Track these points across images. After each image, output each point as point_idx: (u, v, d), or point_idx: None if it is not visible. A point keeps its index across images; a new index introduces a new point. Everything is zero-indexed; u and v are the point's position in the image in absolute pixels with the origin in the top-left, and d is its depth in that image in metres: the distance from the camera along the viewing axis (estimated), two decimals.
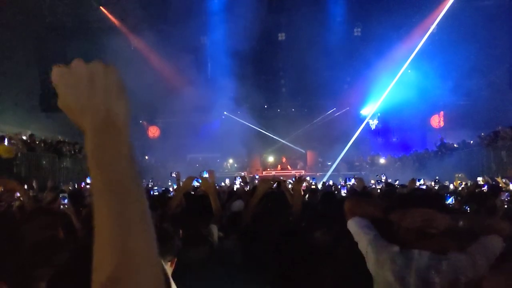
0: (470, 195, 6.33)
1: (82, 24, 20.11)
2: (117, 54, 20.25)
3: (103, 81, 0.82)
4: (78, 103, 0.81)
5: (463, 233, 2.02)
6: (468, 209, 4.42)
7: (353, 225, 2.31)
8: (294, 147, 26.15)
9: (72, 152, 15.92)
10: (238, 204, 4.84)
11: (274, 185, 5.82)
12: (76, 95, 0.81)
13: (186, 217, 3.46)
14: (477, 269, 1.89)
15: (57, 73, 0.84)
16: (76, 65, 0.83)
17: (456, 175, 13.27)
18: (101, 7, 21.68)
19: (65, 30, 20.74)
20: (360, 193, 5.46)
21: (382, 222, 2.22)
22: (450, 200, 4.95)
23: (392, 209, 2.15)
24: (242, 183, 8.15)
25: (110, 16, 22.13)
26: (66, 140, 16.62)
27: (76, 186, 11.24)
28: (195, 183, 4.40)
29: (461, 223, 2.00)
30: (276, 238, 2.46)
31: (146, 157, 23.36)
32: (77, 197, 5.95)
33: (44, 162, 14.16)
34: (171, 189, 10.43)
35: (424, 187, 8.36)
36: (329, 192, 6.23)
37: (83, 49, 19.97)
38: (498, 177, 9.93)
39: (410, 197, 2.61)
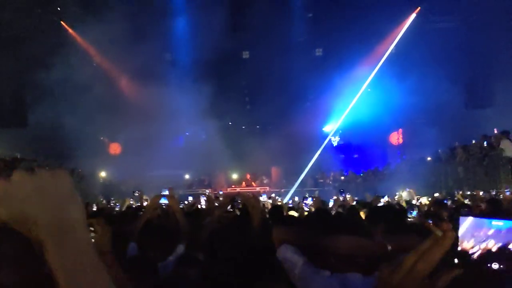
0: (429, 210, 6.53)
1: (41, 38, 19.60)
2: (78, 71, 19.89)
3: (53, 191, 0.79)
4: (28, 217, 0.77)
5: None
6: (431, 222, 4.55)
7: (281, 252, 2.29)
8: (259, 163, 26.22)
9: (30, 170, 15.38)
10: None
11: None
12: (24, 208, 0.77)
13: (153, 235, 3.42)
14: None
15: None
16: (20, 179, 0.80)
17: (408, 190, 13.54)
18: (62, 21, 21.30)
19: (22, 44, 20.17)
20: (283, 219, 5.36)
21: (311, 248, 2.22)
22: (414, 213, 5.10)
23: (318, 236, 2.17)
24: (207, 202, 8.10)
25: (71, 31, 21.74)
26: (24, 158, 16.06)
27: None
28: (163, 201, 4.35)
29: (389, 247, 2.04)
30: (237, 257, 2.45)
31: (103, 175, 22.78)
32: None
33: None
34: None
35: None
36: (276, 206, 6.28)
37: (41, 64, 19.48)
38: (458, 193, 10.30)
39: (336, 222, 2.64)
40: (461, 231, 2.17)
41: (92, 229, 2.09)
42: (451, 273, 0.97)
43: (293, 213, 7.28)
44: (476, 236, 2.30)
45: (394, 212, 4.39)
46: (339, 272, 2.03)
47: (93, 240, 2.01)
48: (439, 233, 0.96)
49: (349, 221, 3.01)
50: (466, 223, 2.34)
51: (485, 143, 14.57)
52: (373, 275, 1.96)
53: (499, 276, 2.02)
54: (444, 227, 0.97)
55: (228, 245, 3.00)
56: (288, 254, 2.22)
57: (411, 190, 12.47)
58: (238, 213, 5.59)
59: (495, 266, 2.14)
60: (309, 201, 8.76)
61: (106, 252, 2.07)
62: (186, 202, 10.75)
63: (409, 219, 4.88)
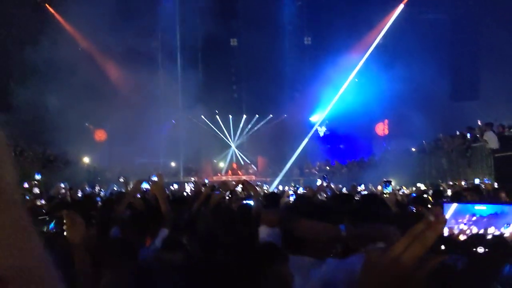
0: (414, 199, 6.59)
1: (24, 21, 19.22)
2: (64, 55, 19.57)
3: None
4: None
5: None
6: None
7: (262, 233, 2.33)
8: (245, 152, 26.23)
9: (14, 155, 15.15)
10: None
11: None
12: None
13: (135, 221, 3.40)
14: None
15: None
16: None
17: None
18: (46, 5, 20.89)
19: (6, 26, 19.77)
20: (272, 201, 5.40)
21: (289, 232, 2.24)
22: (390, 189, 5.15)
23: (289, 219, 2.20)
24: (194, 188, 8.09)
25: (56, 15, 21.35)
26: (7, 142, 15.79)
27: None
28: (144, 186, 4.32)
29: (343, 233, 2.06)
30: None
31: (88, 161, 22.55)
32: None
33: None
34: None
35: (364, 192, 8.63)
36: (274, 193, 6.27)
37: (25, 48, 19.13)
38: (442, 182, 10.42)
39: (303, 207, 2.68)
40: (446, 217, 2.18)
41: (65, 221, 2.05)
42: (437, 259, 0.96)
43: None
44: (460, 221, 2.33)
45: (361, 200, 4.45)
46: (313, 257, 2.06)
47: (65, 233, 1.98)
48: (431, 217, 0.93)
49: (316, 206, 3.04)
50: (451, 209, 2.37)
51: (468, 135, 14.74)
52: (349, 259, 1.98)
53: (484, 260, 2.05)
54: (436, 211, 0.96)
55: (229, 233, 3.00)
56: (267, 235, 2.26)
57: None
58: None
59: (480, 250, 2.17)
60: (301, 190, 8.78)
61: (78, 245, 2.03)
62: (171, 188, 10.70)
63: (384, 195, 4.95)
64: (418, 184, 10.91)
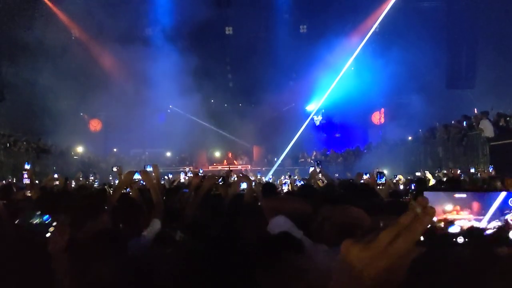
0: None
1: (17, 11, 18.97)
2: (57, 45, 19.37)
3: None
4: None
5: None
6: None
7: (278, 225, 2.24)
8: (240, 142, 26.15)
9: (7, 146, 15.04)
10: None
11: (220, 180, 5.77)
12: None
13: (126, 211, 3.35)
14: None
15: None
16: None
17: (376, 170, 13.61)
18: None
19: (3, 19, 19.51)
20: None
21: (304, 221, 2.20)
22: (383, 180, 5.13)
23: (319, 205, 2.14)
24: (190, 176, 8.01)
25: (50, 4, 21.07)
26: (0, 133, 15.69)
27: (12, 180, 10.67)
28: (136, 177, 4.27)
29: (381, 224, 2.02)
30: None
31: (83, 151, 22.45)
32: (6, 192, 5.63)
33: None
34: (112, 183, 10.13)
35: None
36: (269, 183, 6.24)
37: (22, 38, 18.91)
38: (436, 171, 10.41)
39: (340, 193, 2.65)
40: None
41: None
42: (417, 251, 0.89)
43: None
44: (440, 210, 2.27)
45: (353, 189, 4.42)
46: (333, 244, 2.01)
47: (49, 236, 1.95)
48: (418, 209, 0.87)
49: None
50: (430, 198, 2.31)
51: (464, 123, 14.73)
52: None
53: (465, 250, 2.01)
54: (422, 202, 0.88)
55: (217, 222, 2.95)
56: (287, 226, 2.18)
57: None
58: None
59: (460, 240, 2.10)
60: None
61: (59, 249, 1.98)
62: (165, 177, 10.63)
63: (378, 186, 4.92)
64: (417, 173, 10.88)
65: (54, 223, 1.98)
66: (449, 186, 4.78)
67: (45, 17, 19.64)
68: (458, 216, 1.09)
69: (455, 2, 21.58)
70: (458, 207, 1.11)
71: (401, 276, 0.87)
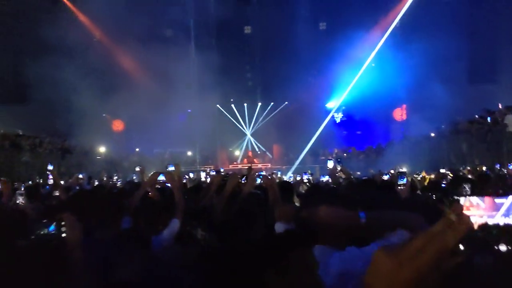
0: (433, 184, 6.50)
1: (42, 14, 19.39)
2: (80, 47, 19.73)
3: None
4: None
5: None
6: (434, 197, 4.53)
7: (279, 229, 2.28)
8: (261, 140, 26.19)
9: (32, 147, 15.40)
10: None
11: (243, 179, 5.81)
12: None
13: (147, 210, 3.41)
14: None
15: None
16: None
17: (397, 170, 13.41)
18: None
19: (27, 20, 19.98)
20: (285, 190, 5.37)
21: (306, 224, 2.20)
22: (404, 180, 5.05)
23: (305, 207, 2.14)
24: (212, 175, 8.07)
25: (71, 6, 21.46)
26: (26, 134, 16.06)
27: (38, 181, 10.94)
28: (161, 178, 4.34)
29: (363, 220, 1.99)
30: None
31: (106, 151, 22.80)
32: (34, 192, 5.77)
33: (1, 156, 13.62)
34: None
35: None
36: (286, 182, 6.22)
37: (43, 39, 19.32)
38: (459, 169, 10.22)
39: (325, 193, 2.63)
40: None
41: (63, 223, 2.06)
42: (454, 260, 0.88)
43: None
44: (479, 215, 2.17)
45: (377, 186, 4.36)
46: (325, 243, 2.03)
47: (64, 235, 2.00)
48: (453, 216, 0.85)
49: (333, 192, 2.99)
50: (471, 203, 2.23)
51: (488, 118, 14.44)
52: (369, 247, 1.94)
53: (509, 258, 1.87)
54: (457, 209, 0.86)
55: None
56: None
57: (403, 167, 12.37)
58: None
59: (502, 247, 1.91)
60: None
61: (75, 246, 2.03)
62: (187, 177, 10.74)
63: (399, 187, 4.85)
64: (441, 170, 10.70)
65: (63, 226, 2.03)
66: (480, 183, 4.69)
67: (67, 18, 20.02)
68: (469, 212, 1.09)
69: None
70: (467, 203, 1.10)
71: (434, 285, 0.86)
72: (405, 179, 4.99)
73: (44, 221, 2.02)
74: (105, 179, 12.08)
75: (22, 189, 7.02)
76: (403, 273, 0.84)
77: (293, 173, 18.75)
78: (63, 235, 1.98)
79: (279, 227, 2.34)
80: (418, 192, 5.67)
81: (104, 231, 2.80)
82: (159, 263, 2.66)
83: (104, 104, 21.47)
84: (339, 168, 7.42)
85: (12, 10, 19.38)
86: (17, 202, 3.81)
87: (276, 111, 26.22)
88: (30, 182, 10.69)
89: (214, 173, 8.50)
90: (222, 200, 3.92)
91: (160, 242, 3.02)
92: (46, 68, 19.02)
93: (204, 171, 9.13)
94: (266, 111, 26.27)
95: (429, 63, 20.12)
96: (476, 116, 15.37)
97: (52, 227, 2.00)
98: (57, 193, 7.28)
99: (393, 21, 22.79)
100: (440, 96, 19.50)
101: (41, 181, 10.92)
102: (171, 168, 5.43)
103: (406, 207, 3.60)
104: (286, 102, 26.18)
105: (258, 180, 4.70)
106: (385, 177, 8.33)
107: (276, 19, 22.35)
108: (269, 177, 4.72)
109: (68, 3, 21.30)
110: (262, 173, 4.79)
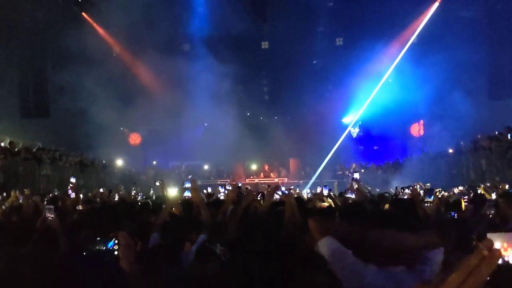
0: (454, 203, 6.43)
1: (62, 29, 19.82)
2: (99, 61, 20.07)
3: None
4: None
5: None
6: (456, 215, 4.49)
7: (327, 244, 2.27)
8: (277, 154, 26.17)
9: (52, 160, 15.63)
10: None
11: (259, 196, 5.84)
12: None
13: (176, 226, 3.45)
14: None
15: None
16: None
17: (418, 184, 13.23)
18: (82, 13, 21.46)
19: (45, 34, 20.44)
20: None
21: (350, 241, 2.22)
22: (431, 198, 5.02)
23: (365, 229, 2.19)
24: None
25: (91, 22, 21.91)
26: (46, 147, 16.31)
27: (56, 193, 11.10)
28: (186, 194, 4.38)
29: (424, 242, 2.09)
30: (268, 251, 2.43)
31: (124, 164, 23.03)
32: (55, 204, 5.87)
33: (22, 169, 13.83)
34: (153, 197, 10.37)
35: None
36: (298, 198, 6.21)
37: (63, 54, 19.73)
38: (480, 186, 10.07)
39: (383, 217, 2.66)
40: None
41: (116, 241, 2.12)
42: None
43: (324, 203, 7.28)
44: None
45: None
46: (383, 264, 2.08)
47: (116, 253, 2.05)
48: (485, 251, 0.89)
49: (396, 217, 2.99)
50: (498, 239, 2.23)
51: (509, 135, 14.23)
52: (416, 269, 2.02)
53: None
54: (489, 244, 0.91)
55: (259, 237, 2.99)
56: (335, 245, 2.22)
57: (419, 184, 12.19)
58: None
59: None
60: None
61: (131, 263, 2.08)
62: (204, 191, 10.79)
63: (426, 204, 4.83)
64: (459, 188, 10.59)
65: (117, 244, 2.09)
66: (503, 201, 4.63)
67: (86, 33, 20.43)
68: (506, 253, 1.09)
69: (497, 9, 21.02)
70: (505, 244, 1.11)
71: None
72: (432, 197, 4.97)
73: (98, 238, 2.08)
74: (121, 192, 12.20)
75: (45, 202, 7.14)
76: None
77: (310, 188, 18.69)
78: (116, 252, 2.04)
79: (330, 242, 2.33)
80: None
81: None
82: (187, 279, 2.68)
83: (122, 117, 21.77)
84: (356, 186, 7.38)
85: (33, 27, 19.83)
86: (47, 217, 3.84)
87: (292, 125, 26.22)
88: (50, 195, 10.83)
89: (230, 188, 8.49)
90: (235, 217, 3.91)
91: (189, 258, 3.04)
92: (65, 84, 19.41)
93: (222, 185, 9.10)
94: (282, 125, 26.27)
95: (447, 78, 20.02)
96: (496, 133, 15.17)
97: (111, 243, 2.06)
98: (78, 207, 7.39)
99: (411, 36, 22.76)
100: (459, 111, 19.34)
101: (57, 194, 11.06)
102: (188, 185, 5.43)
103: (435, 227, 3.59)
104: (303, 117, 26.18)
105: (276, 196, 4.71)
106: (407, 191, 8.27)
107: (293, 35, 22.51)
108: (287, 193, 4.74)
109: (88, 18, 21.74)
110: (280, 191, 4.75)
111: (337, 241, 2.25)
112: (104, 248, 2.07)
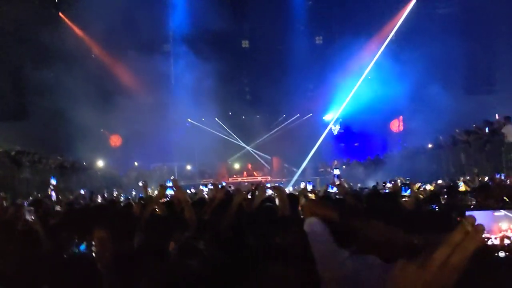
0: (433, 195, 6.53)
1: (40, 30, 19.48)
2: (77, 62, 19.80)
3: None
4: None
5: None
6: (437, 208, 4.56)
7: (311, 225, 2.32)
8: (259, 153, 26.21)
9: (32, 163, 15.37)
10: None
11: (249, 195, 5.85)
12: None
13: (160, 225, 3.43)
14: None
15: None
16: None
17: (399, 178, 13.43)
18: (60, 13, 21.14)
19: (23, 36, 20.06)
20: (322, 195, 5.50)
21: (338, 225, 2.26)
22: (408, 192, 5.08)
23: (353, 216, 2.20)
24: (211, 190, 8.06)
25: (69, 23, 21.60)
26: (26, 150, 16.03)
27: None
28: (168, 192, 4.36)
29: (416, 241, 2.09)
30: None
31: (105, 166, 22.75)
32: (37, 206, 5.79)
33: (1, 173, 13.58)
34: (136, 198, 10.29)
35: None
36: (292, 195, 6.26)
37: (42, 55, 19.41)
38: (459, 179, 10.27)
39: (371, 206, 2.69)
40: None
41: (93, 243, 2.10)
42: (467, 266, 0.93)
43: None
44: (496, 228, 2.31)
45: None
46: (365, 252, 2.08)
47: (94, 254, 2.03)
48: (469, 227, 0.91)
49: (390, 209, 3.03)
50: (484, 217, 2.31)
51: (486, 129, 14.51)
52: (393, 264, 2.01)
53: (505, 264, 2.02)
54: (472, 220, 0.92)
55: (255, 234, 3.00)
56: (317, 227, 2.25)
57: (399, 179, 12.39)
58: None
59: (501, 254, 2.13)
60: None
61: (106, 263, 2.07)
62: (188, 191, 10.74)
63: (403, 198, 4.89)
64: (439, 181, 10.77)
65: (93, 245, 2.07)
66: (481, 193, 4.74)
67: (64, 34, 20.12)
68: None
69: (472, 5, 21.39)
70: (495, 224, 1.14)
71: None
72: (409, 191, 5.03)
73: (75, 239, 2.06)
74: (106, 195, 12.08)
75: (25, 204, 7.03)
76: (432, 283, 0.89)
77: (292, 185, 18.76)
78: (93, 254, 2.02)
79: (314, 224, 2.35)
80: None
81: (118, 246, 2.82)
82: (169, 275, 2.67)
83: (101, 119, 21.51)
84: (337, 182, 7.46)
85: (10, 29, 19.44)
86: (27, 218, 3.80)
87: (274, 124, 26.32)
88: (30, 198, 10.66)
89: (212, 187, 8.46)
90: (229, 216, 3.92)
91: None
92: (44, 85, 19.10)
93: (205, 185, 9.09)
94: (264, 124, 26.34)
95: (426, 74, 20.29)
96: (474, 126, 15.45)
97: (82, 247, 2.04)
98: (58, 208, 7.29)
99: (389, 33, 23.04)
100: (437, 107, 19.62)
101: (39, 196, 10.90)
102: (169, 184, 5.43)
103: (412, 219, 3.64)
104: (284, 115, 26.30)
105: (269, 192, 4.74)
106: (389, 185, 8.38)
107: (274, 34, 22.57)
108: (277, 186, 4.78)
109: (65, 18, 21.44)
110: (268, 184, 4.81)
111: (321, 223, 2.28)
112: (77, 251, 2.05)
